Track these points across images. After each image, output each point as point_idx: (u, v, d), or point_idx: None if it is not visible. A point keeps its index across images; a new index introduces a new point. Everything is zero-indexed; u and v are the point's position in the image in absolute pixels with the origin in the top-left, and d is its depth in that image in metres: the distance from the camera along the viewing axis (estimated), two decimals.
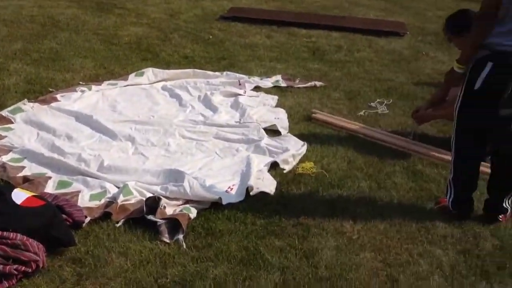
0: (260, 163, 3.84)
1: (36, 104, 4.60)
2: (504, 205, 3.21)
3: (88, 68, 5.77)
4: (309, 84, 5.80)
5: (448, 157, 3.79)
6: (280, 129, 4.45)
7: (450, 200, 3.27)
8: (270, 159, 3.91)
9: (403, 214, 3.30)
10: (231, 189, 3.48)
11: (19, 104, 4.54)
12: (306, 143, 4.19)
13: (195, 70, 5.87)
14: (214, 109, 4.84)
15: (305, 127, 4.66)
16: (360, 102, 5.39)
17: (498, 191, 3.22)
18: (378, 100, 5.41)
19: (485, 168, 3.48)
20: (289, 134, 4.38)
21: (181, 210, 3.18)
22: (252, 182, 3.50)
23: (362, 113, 5.04)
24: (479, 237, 3.07)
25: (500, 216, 3.23)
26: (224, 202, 3.30)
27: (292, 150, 4.01)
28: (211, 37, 7.77)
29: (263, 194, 3.46)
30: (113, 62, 6.04)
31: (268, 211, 3.28)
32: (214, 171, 3.73)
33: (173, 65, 6.09)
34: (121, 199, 3.27)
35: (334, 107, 5.19)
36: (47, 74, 5.41)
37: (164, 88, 5.36)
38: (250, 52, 7.19)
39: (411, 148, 4.22)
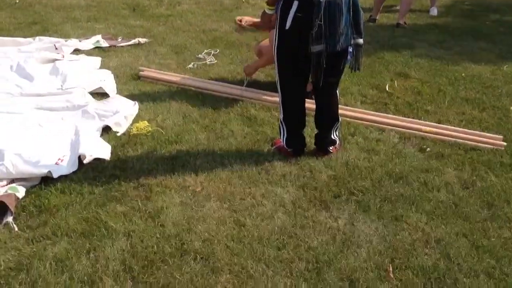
0: (90, 128, 3.60)
1: None
2: (332, 136, 3.41)
3: None
4: (132, 41, 5.56)
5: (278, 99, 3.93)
6: (108, 91, 4.20)
7: (284, 139, 3.38)
8: (101, 124, 3.68)
9: (242, 160, 3.33)
10: (61, 160, 3.21)
11: None
12: (137, 103, 4.02)
13: (2, 38, 5.28)
14: (30, 77, 4.40)
15: (134, 86, 4.46)
16: (188, 55, 5.31)
17: (325, 124, 3.40)
18: (205, 51, 5.37)
19: (311, 104, 3.64)
20: (117, 95, 4.16)
21: (6, 191, 2.86)
22: (83, 150, 3.26)
23: (191, 65, 4.97)
24: (314, 171, 3.22)
25: (331, 148, 3.42)
26: (55, 176, 3.03)
27: (124, 111, 3.81)
28: (17, 1, 7.06)
29: (98, 161, 3.26)
30: None
31: (106, 177, 3.10)
32: (39, 144, 3.40)
33: None
34: None
35: (162, 63, 5.05)
36: None
37: None
38: (64, 14, 6.68)
39: (243, 95, 4.26)
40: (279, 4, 3.06)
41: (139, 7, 7.25)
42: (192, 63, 5.02)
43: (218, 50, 5.39)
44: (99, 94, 4.22)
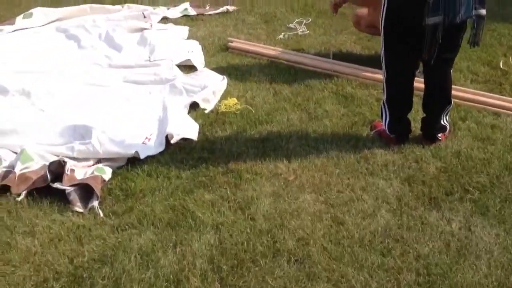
0: (178, 105, 3.43)
1: None
2: (442, 122, 3.02)
3: None
4: (221, 9, 5.33)
5: (379, 76, 3.56)
6: (196, 64, 4.01)
7: (386, 123, 3.04)
8: (188, 100, 3.49)
9: (339, 144, 3.04)
10: (149, 139, 3.06)
11: None
12: (225, 77, 3.80)
13: (92, 5, 5.21)
14: (118, 48, 4.30)
15: (222, 58, 4.24)
16: (278, 24, 5.01)
17: (435, 108, 3.01)
18: (296, 20, 5.04)
19: (418, 84, 3.26)
20: (205, 68, 3.96)
21: (92, 172, 2.75)
22: (171, 128, 3.09)
23: (281, 36, 4.68)
24: (421, 161, 2.87)
25: (439, 135, 3.05)
26: (142, 156, 2.89)
27: (212, 87, 3.60)
28: None
29: (185, 141, 3.09)
30: None
31: (194, 160, 2.92)
32: (126, 121, 3.28)
33: (65, 1, 5.37)
34: (19, 167, 2.77)
35: (251, 33, 4.79)
36: None
37: (58, 30, 4.72)
38: None
39: (338, 70, 3.93)
40: None
41: None
42: (282, 33, 4.72)
43: (310, 19, 5.04)
44: (187, 67, 4.04)
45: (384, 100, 3.03)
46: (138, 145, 2.98)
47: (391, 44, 2.87)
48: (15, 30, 4.70)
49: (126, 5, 5.26)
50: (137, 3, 5.45)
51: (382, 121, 3.08)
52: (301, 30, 4.79)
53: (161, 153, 2.99)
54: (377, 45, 4.37)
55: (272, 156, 2.95)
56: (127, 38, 4.49)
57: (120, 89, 3.67)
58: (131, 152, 2.87)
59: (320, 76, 3.92)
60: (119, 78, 3.81)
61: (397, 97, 3.01)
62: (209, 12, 5.25)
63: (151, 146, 3.02)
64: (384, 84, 3.00)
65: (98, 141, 2.88)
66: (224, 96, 3.61)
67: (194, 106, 3.48)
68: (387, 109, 3.03)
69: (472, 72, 3.95)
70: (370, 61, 4.13)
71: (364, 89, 3.71)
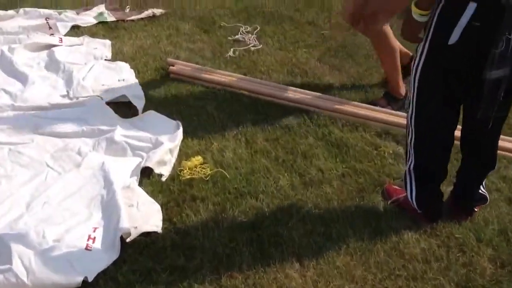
0: (123, 172, 2.48)
1: None
2: (481, 191, 2.38)
3: None
4: (145, 14, 4.32)
5: (366, 112, 2.90)
6: (134, 101, 3.04)
7: (413, 196, 2.33)
8: (136, 162, 2.56)
9: (354, 226, 2.29)
10: (93, 240, 2.11)
11: None
12: (179, 123, 2.89)
13: None
14: (22, 78, 3.19)
15: (164, 89, 3.30)
16: (222, 35, 4.11)
17: (477, 174, 2.35)
18: (242, 28, 4.17)
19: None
20: (151, 111, 2.98)
21: None
22: (124, 219, 2.16)
23: (231, 53, 3.79)
24: (468, 250, 2.20)
25: (476, 208, 2.40)
26: (90, 278, 1.95)
27: (165, 140, 2.68)
28: None
29: (147, 236, 2.18)
30: None
31: (166, 273, 2.02)
32: (53, 205, 2.28)
33: None
34: None
35: (191, 48, 3.86)
36: None
37: None
38: None
39: (316, 104, 3.16)
40: (437, 6, 1.95)
41: None
42: (232, 49, 3.84)
43: (258, 28, 4.19)
44: (122, 105, 3.06)
45: (411, 168, 2.31)
46: (79, 254, 2.02)
47: (427, 98, 2.14)
48: None
49: (21, 9, 4.06)
50: (34, 5, 4.25)
51: (407, 192, 2.37)
52: (252, 44, 3.93)
53: (115, 262, 2.07)
54: (347, 63, 3.68)
55: (275, 256, 2.13)
56: (32, 61, 3.38)
57: (36, 148, 2.62)
58: (75, 279, 1.91)
59: (294, 111, 3.13)
60: (28, 129, 2.75)
61: (429, 167, 2.30)
62: (132, 18, 4.22)
63: (99, 252, 2.07)
64: (411, 148, 2.27)
65: (22, 264, 1.88)
66: (183, 153, 2.71)
67: (144, 172, 2.56)
68: (413, 179, 2.32)
69: None
70: (345, 88, 3.43)
71: (354, 132, 2.98)
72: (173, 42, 3.92)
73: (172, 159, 2.64)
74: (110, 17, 4.16)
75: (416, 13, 1.99)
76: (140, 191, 2.40)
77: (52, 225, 2.14)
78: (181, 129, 2.81)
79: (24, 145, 2.64)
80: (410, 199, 2.35)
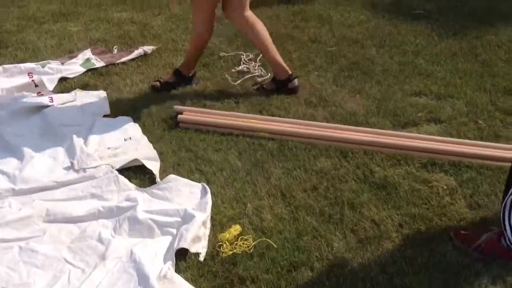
0: (156, 260, 2.15)
1: None
2: None
3: None
4: (136, 53, 3.97)
5: (406, 142, 2.60)
6: (148, 165, 2.70)
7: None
8: (167, 243, 2.23)
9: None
10: None
11: None
12: (205, 185, 2.56)
13: None
14: (16, 152, 2.83)
15: (178, 142, 2.96)
16: (222, 67, 3.79)
17: None
18: (243, 55, 3.85)
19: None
20: (173, 176, 2.64)
21: None
22: None
23: (239, 88, 3.46)
24: None
25: None
26: None
27: (197, 212, 2.35)
28: None
29: None
30: None
31: None
32: None
33: None
34: None
35: (195, 89, 3.52)
36: None
37: None
38: (17, 12, 4.89)
39: (347, 138, 2.86)
40: None
41: None
42: (238, 80, 3.51)
43: (260, 56, 3.87)
44: (134, 171, 2.72)
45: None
46: None
47: None
48: None
49: (0, 67, 3.67)
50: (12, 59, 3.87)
51: (505, 230, 2.06)
52: (258, 74, 3.61)
53: None
54: (365, 83, 3.39)
55: None
56: (23, 130, 3.02)
57: (48, 245, 2.26)
58: None
59: (324, 150, 2.83)
60: (36, 217, 2.40)
61: None
62: (122, 60, 3.86)
63: None
64: None
65: None
66: (216, 221, 2.39)
67: (179, 251, 2.23)
68: None
69: None
70: (372, 114, 3.15)
71: (397, 167, 2.69)
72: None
73: (206, 232, 2.31)
74: (98, 63, 3.80)
75: None
76: (180, 281, 2.07)
77: None
78: (209, 194, 2.48)
79: (35, 239, 2.28)
80: (508, 239, 2.05)
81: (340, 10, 4.67)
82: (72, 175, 2.66)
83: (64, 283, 2.09)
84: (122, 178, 2.60)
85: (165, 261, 2.17)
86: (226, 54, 3.92)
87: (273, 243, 2.25)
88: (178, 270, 2.16)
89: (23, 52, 4.04)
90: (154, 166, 2.69)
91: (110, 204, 2.43)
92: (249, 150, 2.87)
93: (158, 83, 3.45)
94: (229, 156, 2.82)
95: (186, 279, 2.11)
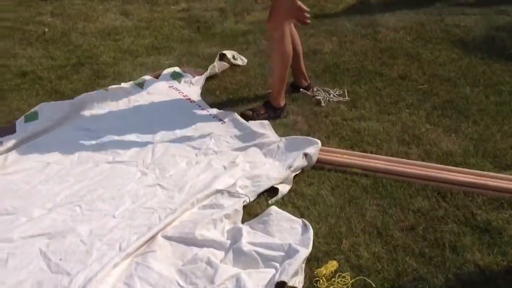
0: None
1: None
2: None
3: None
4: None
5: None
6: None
7: None
8: (270, 275, 2.22)
9: None
10: None
11: None
12: (305, 221, 2.53)
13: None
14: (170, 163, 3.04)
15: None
16: (310, 100, 3.78)
17: None
18: (330, 92, 3.85)
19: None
20: (274, 208, 2.63)
21: None
22: None
23: (329, 124, 3.45)
24: None
25: None
26: None
27: (300, 247, 2.32)
28: (46, 30, 5.56)
29: None
30: None
31: None
32: None
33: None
34: None
35: (284, 123, 3.53)
36: None
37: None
38: (113, 45, 5.16)
39: (445, 178, 2.78)
40: None
41: (201, 23, 5.71)
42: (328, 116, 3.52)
43: (346, 86, 3.82)
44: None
45: None
46: None
47: None
48: (17, 144, 3.23)
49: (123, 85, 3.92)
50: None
51: None
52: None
53: None
54: (461, 123, 3.31)
55: None
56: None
57: (162, 264, 2.30)
58: None
59: (421, 189, 2.75)
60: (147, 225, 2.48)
61: None
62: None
63: None
64: None
65: None
66: (312, 255, 2.35)
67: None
68: None
69: None
70: (469, 155, 3.04)
71: (500, 210, 2.58)
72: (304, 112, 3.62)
73: (303, 266, 2.29)
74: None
75: None
76: None
77: None
78: (311, 231, 2.44)
79: (151, 254, 2.34)
80: None
81: (429, 48, 4.60)
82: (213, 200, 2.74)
83: None
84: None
85: None
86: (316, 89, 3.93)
87: (371, 282, 2.20)
88: None
89: (120, 83, 4.23)
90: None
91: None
92: (342, 185, 2.84)
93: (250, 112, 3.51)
94: (322, 190, 2.80)
95: None
